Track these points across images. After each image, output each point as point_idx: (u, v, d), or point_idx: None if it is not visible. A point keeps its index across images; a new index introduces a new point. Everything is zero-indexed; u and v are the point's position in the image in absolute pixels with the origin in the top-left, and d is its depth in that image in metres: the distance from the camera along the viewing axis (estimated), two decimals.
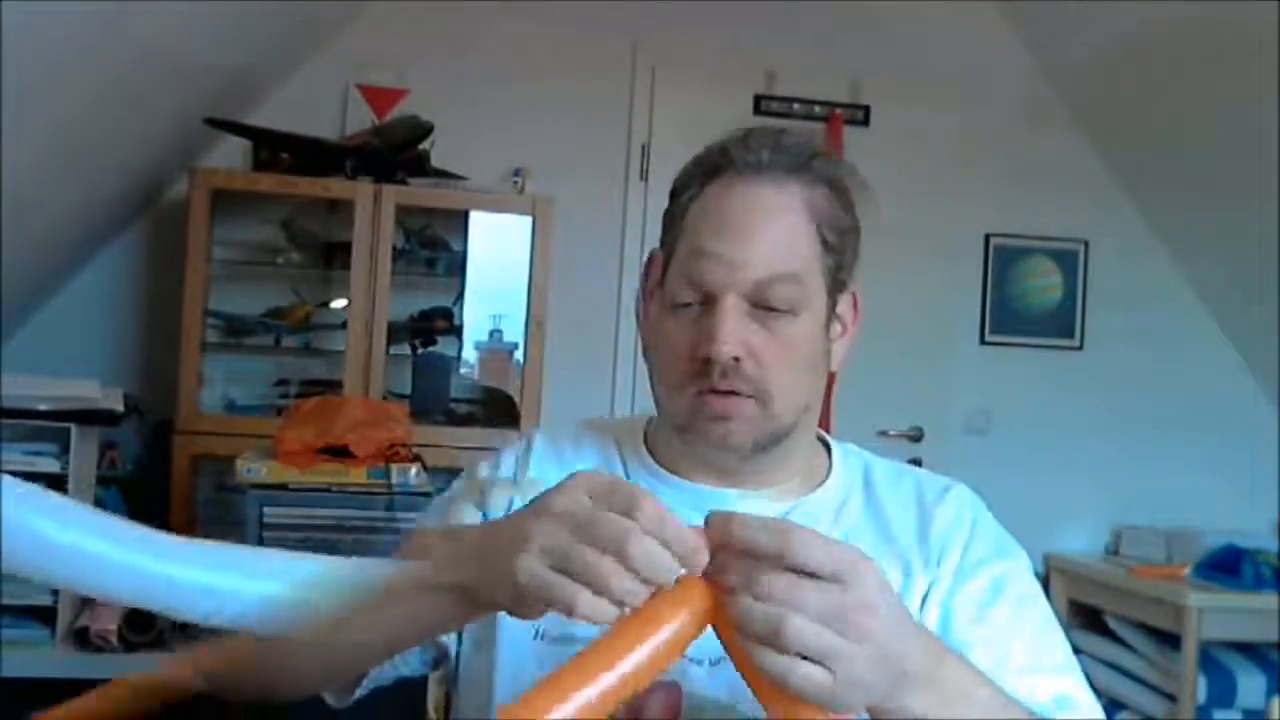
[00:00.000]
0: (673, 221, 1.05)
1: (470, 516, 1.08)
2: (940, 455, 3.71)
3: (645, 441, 1.11)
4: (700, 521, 0.84)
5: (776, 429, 1.01)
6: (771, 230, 0.99)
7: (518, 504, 1.00)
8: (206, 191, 3.07)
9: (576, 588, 0.72)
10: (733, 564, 0.73)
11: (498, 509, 1.06)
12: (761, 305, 0.98)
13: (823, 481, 1.08)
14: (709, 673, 0.97)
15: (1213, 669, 3.24)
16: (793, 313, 0.99)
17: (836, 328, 1.05)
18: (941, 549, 1.03)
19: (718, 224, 0.99)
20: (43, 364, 2.76)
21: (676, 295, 1.01)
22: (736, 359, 0.97)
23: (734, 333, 0.97)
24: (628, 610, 0.72)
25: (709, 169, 1.03)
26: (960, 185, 3.80)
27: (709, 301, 0.99)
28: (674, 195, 1.07)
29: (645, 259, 1.11)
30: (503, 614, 0.94)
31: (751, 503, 1.03)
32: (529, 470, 1.10)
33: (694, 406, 1.00)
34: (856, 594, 0.72)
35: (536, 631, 1.00)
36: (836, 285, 1.03)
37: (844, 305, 1.06)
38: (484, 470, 1.12)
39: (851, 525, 1.06)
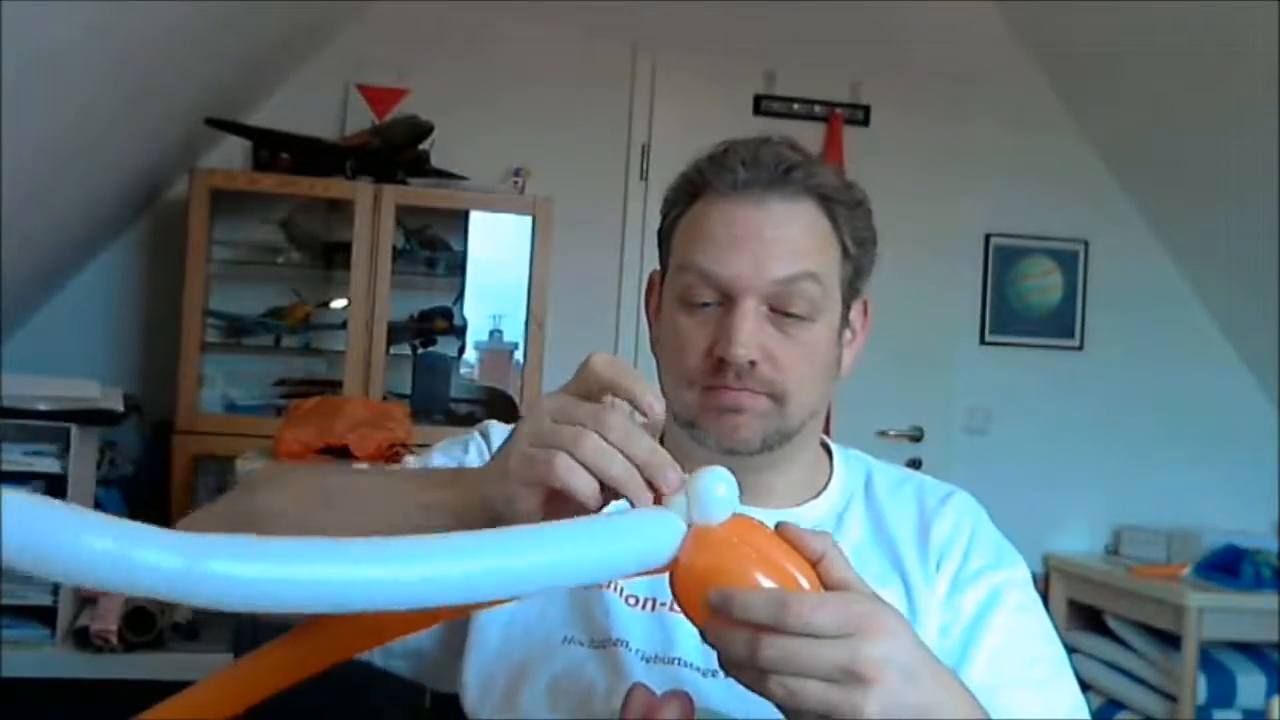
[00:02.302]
0: (669, 237, 1.05)
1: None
2: (940, 455, 3.72)
3: None
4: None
5: (786, 428, 1.00)
6: (788, 231, 0.98)
7: None
8: (206, 191, 3.08)
9: (554, 452, 0.73)
10: (735, 634, 0.71)
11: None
12: (780, 309, 0.98)
13: (825, 487, 1.08)
14: (724, 685, 0.96)
15: (1213, 669, 3.24)
16: (810, 318, 0.99)
17: (847, 335, 1.05)
18: (940, 558, 1.03)
19: (728, 232, 0.98)
20: (43, 364, 2.76)
21: (693, 292, 0.99)
22: (753, 362, 0.97)
23: (752, 335, 0.96)
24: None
25: (699, 185, 1.02)
26: (960, 185, 3.80)
27: (727, 302, 0.98)
28: (666, 212, 1.06)
29: (645, 282, 1.10)
30: (528, 654, 0.97)
31: (760, 516, 1.03)
32: None
33: (705, 400, 0.99)
34: (868, 647, 0.70)
35: (565, 639, 1.00)
36: (851, 293, 1.04)
37: (855, 312, 1.06)
38: (495, 430, 1.11)
39: (852, 533, 1.05)
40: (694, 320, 1.00)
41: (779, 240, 0.98)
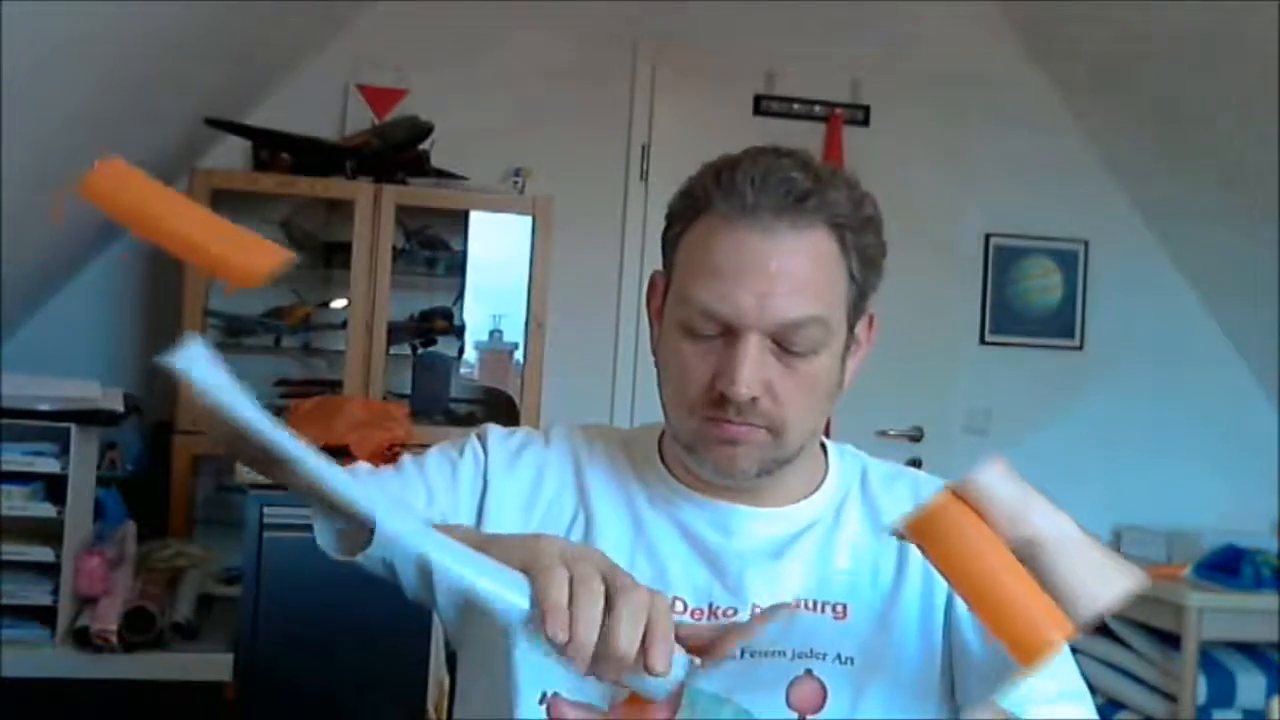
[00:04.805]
0: (673, 250, 1.04)
1: (469, 483, 1.08)
2: (940, 455, 3.71)
3: (660, 454, 1.10)
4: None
5: (783, 456, 1.01)
6: (795, 264, 0.96)
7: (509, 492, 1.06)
8: (206, 191, 3.07)
9: (560, 585, 0.74)
10: None
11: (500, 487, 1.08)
12: (783, 345, 0.97)
13: (821, 483, 1.09)
14: (707, 669, 0.98)
15: (1213, 669, 3.24)
16: (814, 353, 0.98)
17: (852, 348, 1.05)
18: None
19: (733, 263, 0.96)
20: (43, 364, 2.76)
21: (695, 326, 0.98)
22: (754, 398, 0.97)
23: (754, 373, 0.96)
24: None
25: (703, 203, 1.00)
26: (960, 185, 3.80)
27: (729, 335, 0.97)
28: (670, 223, 1.05)
29: (648, 281, 1.10)
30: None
31: (760, 517, 1.05)
32: (540, 466, 1.10)
33: (703, 430, 1.00)
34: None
35: None
36: (856, 314, 1.03)
37: (861, 327, 1.05)
38: (494, 435, 1.12)
39: (849, 527, 1.07)
40: (696, 349, 0.99)
41: (785, 275, 0.95)
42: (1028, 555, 0.85)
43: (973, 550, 0.83)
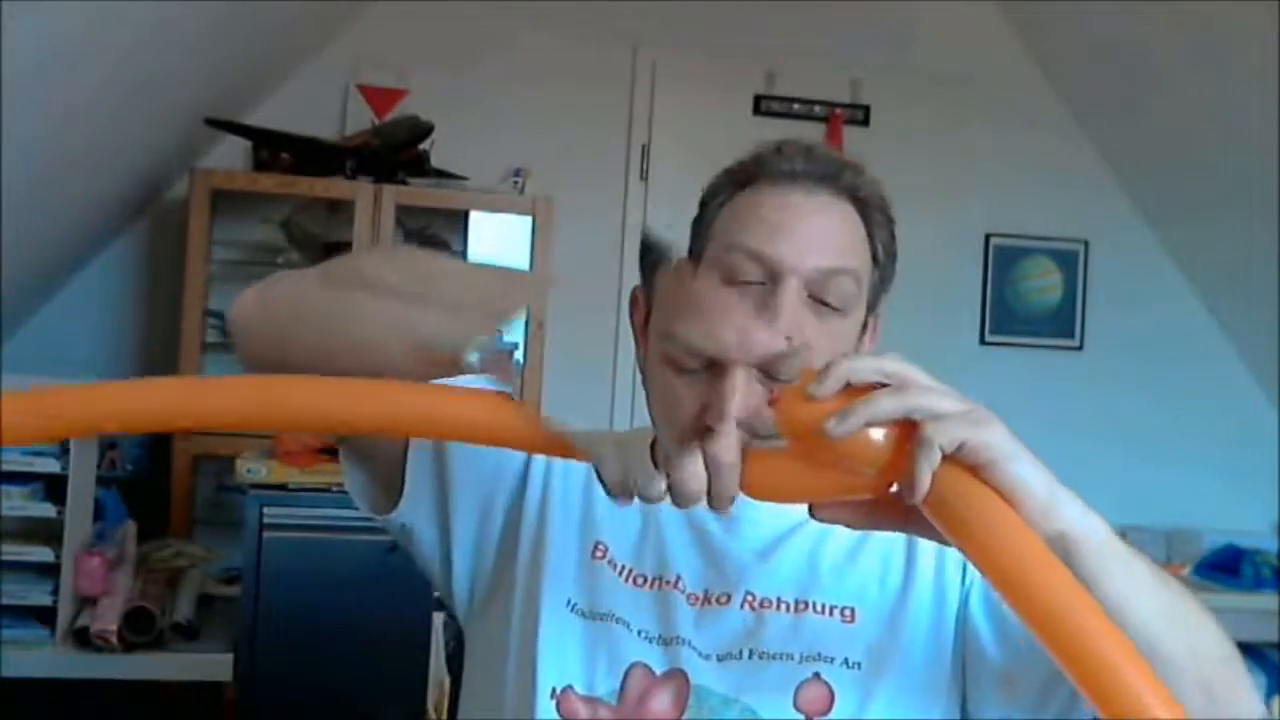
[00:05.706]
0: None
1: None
2: None
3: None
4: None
5: None
6: (831, 221, 0.98)
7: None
8: (206, 191, 3.08)
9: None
10: None
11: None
12: (817, 297, 0.95)
13: None
14: (715, 667, 0.99)
15: None
16: (844, 311, 0.97)
17: (861, 345, 1.03)
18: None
19: (778, 216, 0.97)
20: (43, 364, 2.76)
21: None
22: (789, 338, 0.93)
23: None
24: None
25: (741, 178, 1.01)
26: (960, 185, 3.80)
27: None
28: (707, 200, 1.03)
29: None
30: (545, 588, 1.02)
31: (760, 518, 1.05)
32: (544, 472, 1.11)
33: None
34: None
35: (570, 604, 1.02)
36: (873, 302, 1.02)
37: (869, 326, 1.04)
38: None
39: None
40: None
41: (823, 230, 0.97)
42: (1060, 550, 0.78)
43: (1032, 565, 0.73)
